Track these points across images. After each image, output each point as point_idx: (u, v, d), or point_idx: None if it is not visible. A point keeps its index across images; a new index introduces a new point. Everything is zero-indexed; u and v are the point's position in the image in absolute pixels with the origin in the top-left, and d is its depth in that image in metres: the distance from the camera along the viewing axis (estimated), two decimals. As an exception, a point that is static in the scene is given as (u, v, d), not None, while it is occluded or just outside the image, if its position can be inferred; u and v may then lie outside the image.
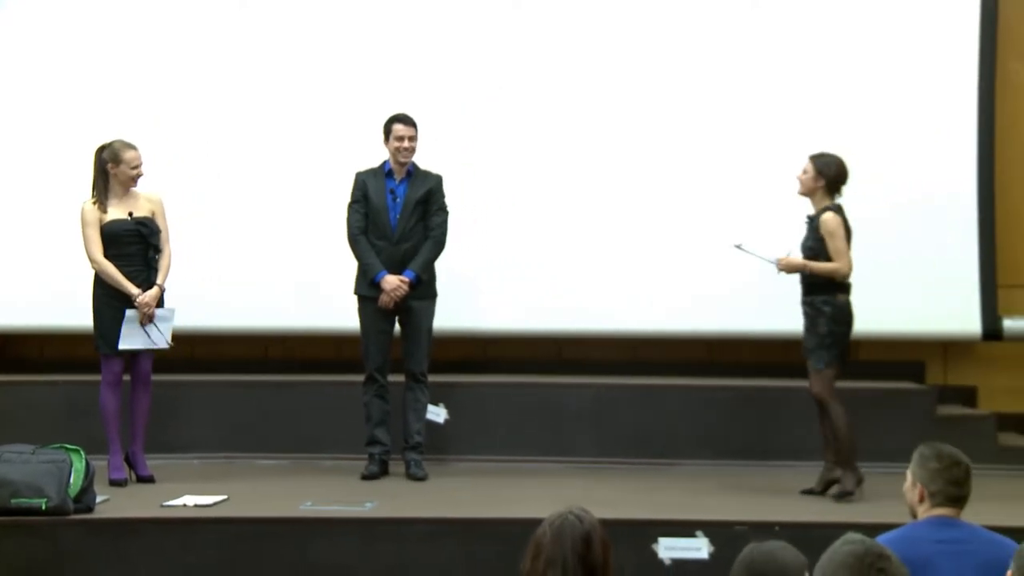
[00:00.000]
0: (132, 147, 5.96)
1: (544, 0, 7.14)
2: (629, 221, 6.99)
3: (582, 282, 6.97)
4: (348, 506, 5.41)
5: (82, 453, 5.25)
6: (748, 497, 5.79)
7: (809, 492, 5.81)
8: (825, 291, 5.73)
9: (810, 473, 5.98)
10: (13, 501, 5.05)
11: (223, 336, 7.12)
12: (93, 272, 5.94)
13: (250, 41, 7.16)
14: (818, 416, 5.87)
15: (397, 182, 6.25)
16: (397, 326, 6.29)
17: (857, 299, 6.86)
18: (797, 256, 5.77)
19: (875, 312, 6.85)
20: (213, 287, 6.88)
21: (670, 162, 7.00)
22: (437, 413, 6.56)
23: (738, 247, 5.86)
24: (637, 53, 7.07)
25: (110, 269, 5.89)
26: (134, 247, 5.94)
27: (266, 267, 7.00)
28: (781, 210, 6.56)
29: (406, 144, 6.19)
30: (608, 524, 2.89)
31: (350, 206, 6.27)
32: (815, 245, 5.74)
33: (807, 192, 5.81)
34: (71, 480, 5.13)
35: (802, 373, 7.01)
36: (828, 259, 5.69)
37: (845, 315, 5.75)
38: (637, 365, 7.10)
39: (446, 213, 6.29)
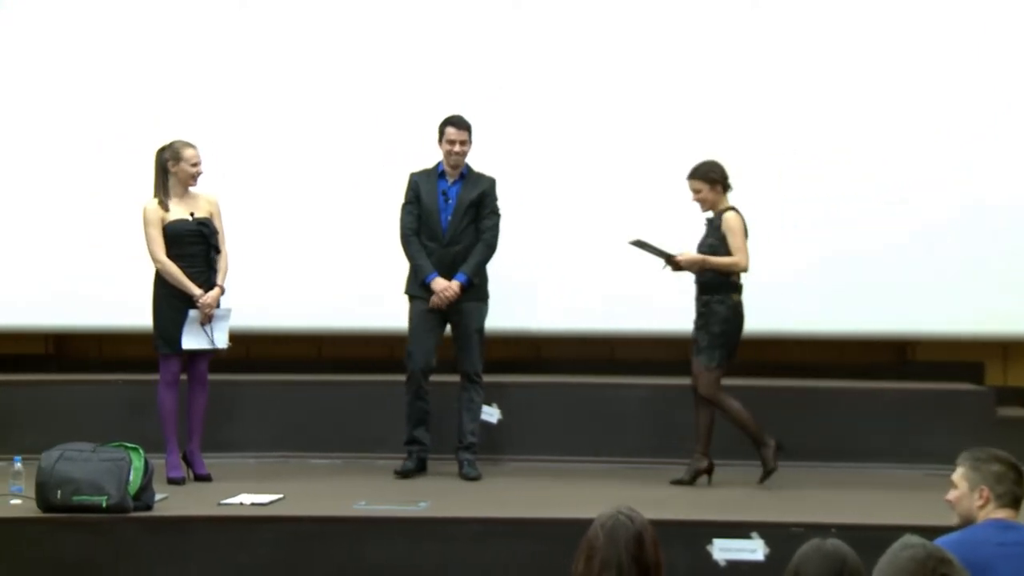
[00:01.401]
0: (191, 145, 6.05)
1: (544, 0, 7.13)
2: (674, 220, 6.92)
3: (635, 282, 6.94)
4: (401, 505, 5.43)
5: (141, 452, 5.31)
6: (804, 497, 5.75)
7: (679, 482, 5.93)
8: (720, 291, 5.90)
9: (858, 474, 5.97)
10: (75, 498, 5.13)
11: (278, 336, 7.18)
12: (153, 272, 6.02)
13: (257, 41, 7.18)
14: (694, 407, 6.01)
15: (450, 184, 6.27)
16: (448, 328, 6.31)
17: (916, 300, 6.83)
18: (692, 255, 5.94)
19: (933, 312, 6.82)
20: (268, 288, 6.93)
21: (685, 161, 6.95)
22: (490, 413, 6.58)
23: (637, 243, 5.95)
24: (638, 52, 7.05)
25: (173, 269, 5.96)
26: (196, 247, 6.01)
27: (320, 268, 7.04)
28: (799, 209, 6.70)
29: (457, 148, 6.21)
30: (662, 525, 2.89)
31: (403, 207, 6.30)
32: (715, 243, 5.91)
33: (712, 206, 5.95)
34: (131, 478, 5.19)
35: (852, 373, 7.02)
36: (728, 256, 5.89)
37: (738, 314, 5.91)
38: (689, 365, 7.05)
39: (498, 216, 6.30)
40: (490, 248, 6.27)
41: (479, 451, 6.33)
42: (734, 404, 5.93)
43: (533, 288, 6.97)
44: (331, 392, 6.84)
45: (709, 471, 5.96)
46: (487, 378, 6.52)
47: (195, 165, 6.02)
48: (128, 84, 7.17)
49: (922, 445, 6.38)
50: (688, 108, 6.99)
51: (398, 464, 6.30)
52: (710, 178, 5.92)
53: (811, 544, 2.66)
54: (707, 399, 5.93)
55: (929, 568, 2.52)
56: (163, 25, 7.19)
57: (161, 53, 7.18)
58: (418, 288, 6.24)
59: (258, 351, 7.15)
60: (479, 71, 7.06)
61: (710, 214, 5.98)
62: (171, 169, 6.02)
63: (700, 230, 6.07)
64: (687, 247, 5.98)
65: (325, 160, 7.11)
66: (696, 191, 5.95)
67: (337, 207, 7.06)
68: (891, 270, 6.85)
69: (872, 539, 3.18)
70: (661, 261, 5.96)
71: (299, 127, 7.11)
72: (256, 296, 6.71)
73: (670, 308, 6.85)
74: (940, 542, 2.90)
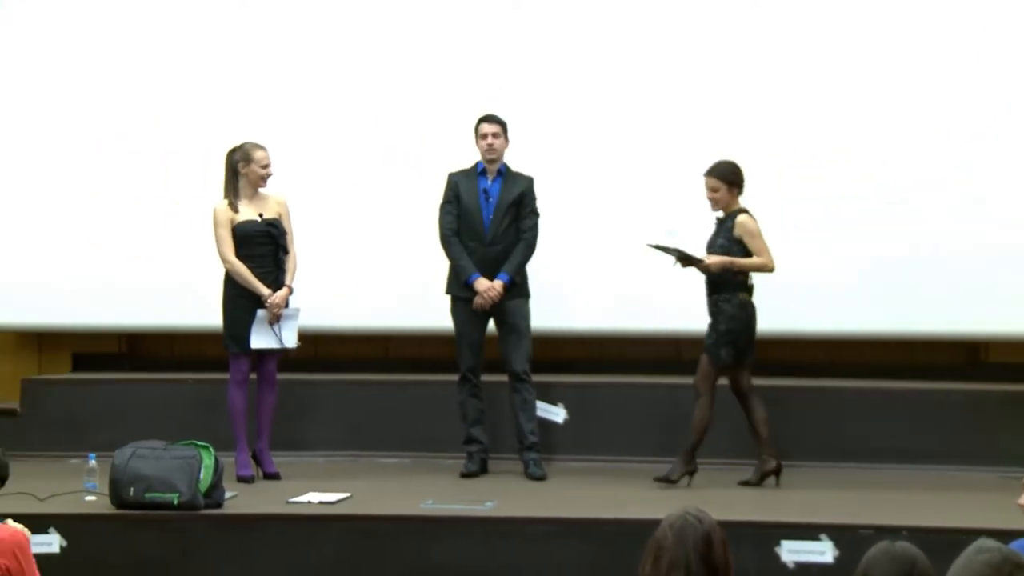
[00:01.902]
0: (261, 147, 6.12)
1: (544, 0, 7.12)
2: (672, 218, 6.77)
3: (701, 282, 6.91)
4: (469, 505, 5.45)
5: (211, 450, 5.38)
6: (873, 499, 5.68)
7: (746, 483, 5.88)
8: (727, 289, 5.86)
9: (929, 475, 5.96)
10: (147, 496, 5.21)
11: (345, 336, 7.24)
12: (223, 272, 6.09)
13: (257, 41, 7.23)
14: (743, 411, 5.95)
15: (490, 182, 6.30)
16: (492, 326, 6.33)
17: (987, 299, 6.71)
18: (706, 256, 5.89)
19: (1005, 312, 6.71)
20: (336, 288, 6.98)
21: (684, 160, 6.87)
22: (556, 413, 6.58)
23: (656, 246, 5.91)
24: (638, 52, 7.02)
25: (242, 269, 6.03)
26: (264, 248, 6.08)
27: (387, 268, 7.09)
28: (799, 209, 6.72)
29: (489, 140, 6.25)
30: (729, 526, 2.87)
31: (441, 207, 6.34)
32: (727, 244, 5.86)
33: (724, 206, 5.91)
34: (201, 476, 5.26)
35: (923, 374, 6.92)
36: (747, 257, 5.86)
37: (746, 312, 5.88)
38: (756, 366, 7.01)
39: (537, 216, 6.33)
40: (531, 248, 6.30)
41: (542, 451, 6.33)
42: (707, 412, 5.85)
43: (599, 288, 6.95)
44: (398, 391, 6.88)
45: (777, 472, 5.91)
46: (552, 378, 6.52)
47: (265, 167, 6.09)
48: (128, 84, 7.26)
49: (995, 447, 6.28)
50: (688, 108, 6.97)
51: (463, 463, 6.32)
52: (728, 179, 5.89)
53: (880, 546, 2.63)
54: (697, 393, 5.90)
55: (1005, 573, 2.48)
56: (163, 25, 7.28)
57: (161, 53, 7.26)
58: (460, 288, 6.27)
59: (326, 351, 7.21)
60: (479, 71, 7.08)
61: (720, 214, 5.94)
62: (241, 171, 6.10)
63: (708, 228, 6.02)
64: (691, 245, 5.95)
65: (400, 161, 7.13)
66: (713, 189, 5.90)
67: (403, 208, 7.08)
68: (954, 272, 6.77)
69: (944, 542, 3.15)
70: (671, 259, 5.91)
71: (301, 127, 7.13)
72: (324, 296, 6.76)
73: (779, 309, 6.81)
74: (1016, 546, 2.86)
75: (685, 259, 5.89)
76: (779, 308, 6.40)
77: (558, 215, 6.74)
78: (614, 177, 6.99)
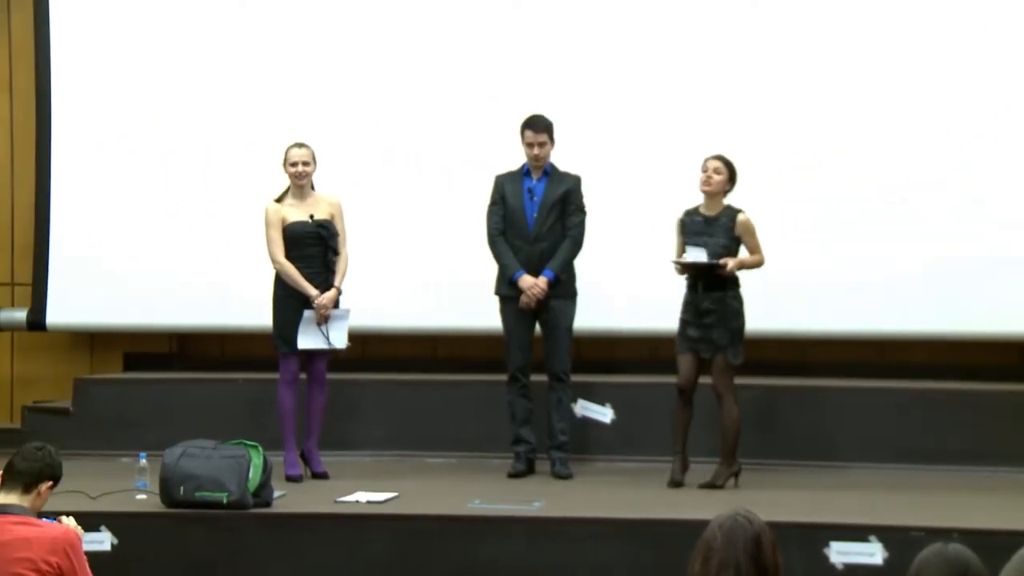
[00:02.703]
0: (297, 145, 6.16)
1: (544, 0, 7.11)
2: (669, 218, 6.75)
3: (745, 282, 6.89)
4: (516, 505, 5.45)
5: (260, 449, 5.42)
6: (924, 501, 5.63)
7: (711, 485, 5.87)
8: (732, 287, 5.90)
9: (980, 477, 5.92)
10: (197, 494, 5.26)
11: (394, 336, 7.27)
12: (273, 272, 6.13)
13: (257, 41, 7.26)
14: (680, 406, 5.97)
15: (535, 181, 6.31)
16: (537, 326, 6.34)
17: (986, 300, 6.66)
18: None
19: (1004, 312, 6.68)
20: (384, 288, 7.01)
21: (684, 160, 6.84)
22: (603, 413, 6.58)
23: (681, 264, 5.92)
24: (638, 52, 7.01)
25: (291, 270, 6.07)
26: (314, 249, 6.11)
27: (435, 269, 7.11)
28: (799, 209, 6.72)
29: (536, 151, 6.25)
30: (777, 527, 2.86)
31: (488, 208, 6.36)
32: (729, 243, 5.89)
33: (717, 192, 5.91)
34: (250, 475, 5.30)
35: (974, 375, 6.84)
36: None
37: (743, 308, 5.93)
38: (805, 366, 6.98)
39: (584, 214, 6.32)
40: (576, 245, 6.28)
41: (592, 450, 6.33)
42: (736, 410, 5.88)
43: (645, 288, 6.93)
44: (446, 391, 6.90)
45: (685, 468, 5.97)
46: (599, 378, 6.50)
47: (293, 165, 6.12)
48: (128, 84, 7.32)
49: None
50: (688, 108, 6.95)
51: (511, 463, 6.32)
52: (731, 169, 5.94)
53: (932, 549, 2.61)
54: (721, 394, 5.89)
55: (1058, 575, 2.46)
56: (163, 25, 7.32)
57: (161, 53, 7.30)
58: (507, 288, 6.28)
59: (374, 351, 7.24)
60: (479, 71, 7.08)
61: (710, 213, 5.92)
62: (284, 171, 6.16)
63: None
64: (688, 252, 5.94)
65: (446, 160, 7.14)
66: (717, 172, 5.91)
67: (452, 209, 7.10)
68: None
69: (996, 544, 3.12)
70: (673, 266, 5.96)
71: (297, 128, 6.99)
72: (373, 297, 6.79)
73: (785, 308, 6.80)
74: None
75: (710, 267, 5.86)
76: (779, 308, 6.40)
77: (599, 215, 6.79)
78: (610, 177, 6.93)
